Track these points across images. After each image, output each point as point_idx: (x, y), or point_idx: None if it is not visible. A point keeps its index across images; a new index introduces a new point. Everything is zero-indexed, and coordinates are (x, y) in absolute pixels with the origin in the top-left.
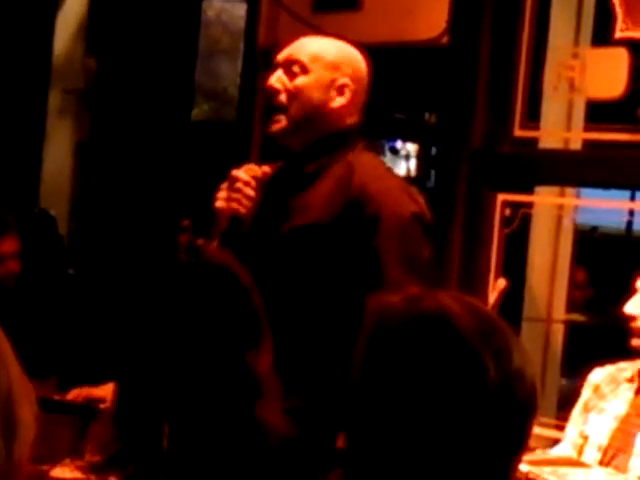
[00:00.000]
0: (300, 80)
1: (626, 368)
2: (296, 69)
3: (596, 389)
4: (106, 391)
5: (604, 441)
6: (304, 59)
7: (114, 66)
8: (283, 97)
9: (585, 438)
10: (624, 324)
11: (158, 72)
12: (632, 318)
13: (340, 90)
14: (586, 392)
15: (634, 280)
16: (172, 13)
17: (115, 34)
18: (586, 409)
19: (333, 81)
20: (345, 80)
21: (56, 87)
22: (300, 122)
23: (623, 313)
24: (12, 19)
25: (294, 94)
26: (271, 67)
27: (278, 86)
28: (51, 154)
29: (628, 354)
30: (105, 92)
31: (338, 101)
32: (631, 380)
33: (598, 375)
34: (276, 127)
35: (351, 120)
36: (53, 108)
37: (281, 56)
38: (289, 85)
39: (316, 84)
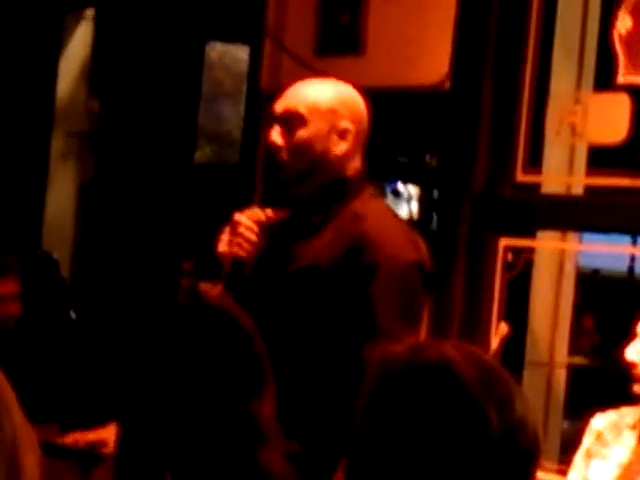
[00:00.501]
0: (300, 134)
1: (628, 414)
2: (294, 122)
3: (598, 436)
4: (107, 434)
5: None
6: (301, 110)
7: (117, 108)
8: (284, 154)
9: None
10: (626, 370)
11: (161, 114)
12: (633, 365)
13: (342, 135)
14: (588, 439)
15: (635, 324)
16: (175, 55)
17: (118, 76)
18: (588, 456)
19: (333, 127)
20: (345, 124)
21: (59, 130)
22: (304, 173)
23: (624, 359)
24: (16, 62)
25: (295, 150)
26: (270, 118)
27: (279, 143)
28: (54, 197)
29: (631, 398)
30: (108, 134)
31: (341, 146)
32: (634, 427)
33: (600, 422)
34: (280, 178)
35: (356, 164)
36: (56, 151)
37: (278, 108)
38: (289, 141)
39: (316, 135)
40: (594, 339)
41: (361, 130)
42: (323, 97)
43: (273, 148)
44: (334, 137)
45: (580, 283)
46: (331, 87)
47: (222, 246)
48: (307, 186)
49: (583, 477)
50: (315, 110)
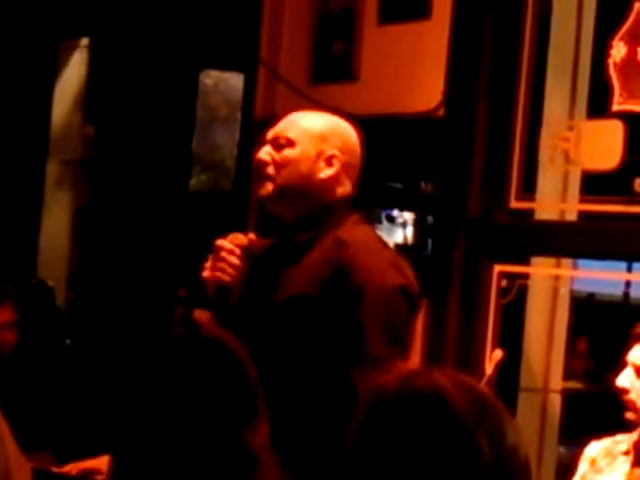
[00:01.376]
0: (287, 152)
1: (622, 441)
2: (283, 143)
3: (593, 463)
4: (101, 463)
5: None
6: (290, 134)
7: (112, 135)
8: (271, 169)
9: None
10: (618, 397)
11: (156, 141)
12: (624, 391)
13: (328, 161)
14: (583, 466)
15: (626, 352)
16: (170, 82)
17: (113, 103)
18: None
19: (321, 153)
20: (334, 151)
21: (54, 157)
22: (287, 190)
23: (615, 386)
24: (11, 90)
25: (281, 165)
26: (262, 142)
27: (266, 158)
28: (49, 224)
29: (625, 424)
30: (103, 161)
31: (326, 172)
32: (627, 453)
33: (594, 449)
34: (263, 192)
35: (342, 191)
36: (51, 178)
37: (270, 134)
38: (277, 157)
39: (303, 156)
40: (587, 363)
41: (350, 161)
42: (314, 124)
43: (260, 163)
44: (321, 162)
45: (575, 307)
46: (324, 117)
47: (206, 272)
48: (291, 207)
49: None
50: (304, 134)
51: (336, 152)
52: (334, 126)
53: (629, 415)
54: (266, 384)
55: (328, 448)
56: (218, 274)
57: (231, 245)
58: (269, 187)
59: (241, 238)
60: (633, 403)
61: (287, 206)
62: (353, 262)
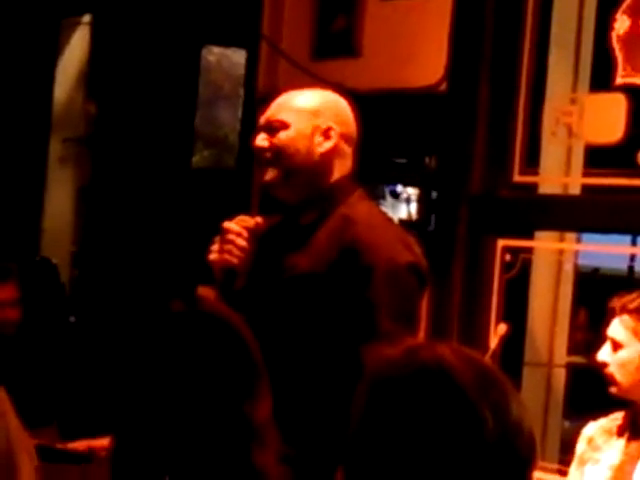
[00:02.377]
0: (282, 134)
1: (618, 418)
2: (277, 127)
3: (590, 441)
4: (107, 440)
5: None
6: (283, 116)
7: (114, 112)
8: (269, 154)
9: None
10: (599, 371)
11: (158, 118)
12: (604, 365)
13: (326, 134)
14: (580, 445)
15: (605, 327)
16: (172, 59)
17: (115, 80)
18: (582, 462)
19: (316, 128)
20: (329, 124)
21: (57, 135)
22: (291, 172)
23: (596, 361)
24: (13, 68)
25: (279, 149)
26: (257, 129)
27: (263, 144)
28: (52, 202)
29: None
30: (106, 138)
31: (325, 145)
32: (622, 428)
33: (591, 428)
34: (267, 178)
35: (344, 167)
36: (54, 156)
37: (262, 119)
38: (273, 141)
39: (299, 135)
40: (588, 336)
41: (346, 133)
42: (305, 101)
43: (258, 151)
44: (318, 137)
45: (579, 282)
46: (313, 93)
47: (213, 255)
48: (295, 189)
49: None
50: (297, 113)
51: (332, 124)
52: (325, 100)
53: (612, 390)
54: (274, 362)
55: (334, 423)
56: (226, 256)
57: (238, 227)
58: (272, 173)
59: (248, 220)
60: (612, 377)
61: (293, 188)
62: (361, 240)
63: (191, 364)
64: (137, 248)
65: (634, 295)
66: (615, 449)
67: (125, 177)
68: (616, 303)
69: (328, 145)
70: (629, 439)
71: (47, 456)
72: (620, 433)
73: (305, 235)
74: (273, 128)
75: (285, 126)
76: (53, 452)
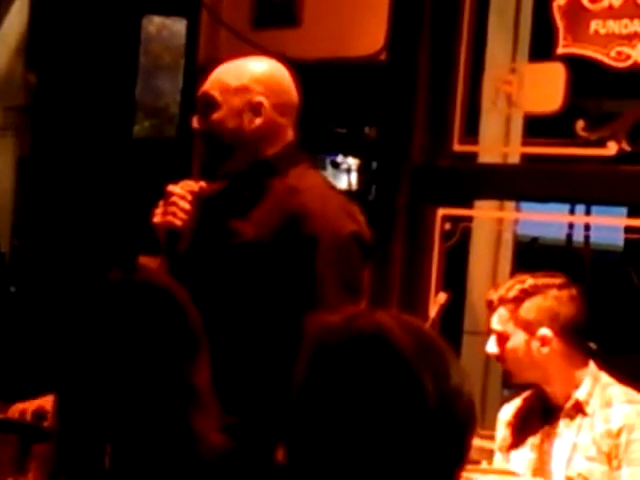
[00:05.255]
0: (213, 117)
1: (529, 398)
2: (209, 106)
3: (509, 425)
4: (47, 402)
5: (527, 473)
6: (213, 93)
7: (55, 82)
8: (202, 135)
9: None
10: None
11: (99, 88)
12: (496, 356)
13: (256, 110)
14: (500, 431)
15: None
16: (112, 29)
17: (55, 50)
18: (505, 447)
19: (247, 103)
20: (259, 98)
21: None
22: (221, 151)
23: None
24: None
25: (210, 129)
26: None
27: (198, 126)
28: None
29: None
30: (46, 108)
31: (256, 122)
32: (535, 409)
33: (507, 411)
34: (205, 161)
35: (284, 138)
36: None
37: (198, 93)
38: (205, 124)
39: (228, 114)
40: None
41: (282, 102)
42: (235, 76)
43: (195, 132)
44: (248, 114)
45: (518, 251)
46: (248, 65)
47: (157, 217)
48: (231, 164)
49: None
50: (226, 90)
51: (261, 98)
52: (257, 72)
53: (512, 380)
54: (216, 329)
55: (277, 393)
56: (169, 218)
57: (182, 191)
58: (206, 155)
59: (192, 185)
60: (506, 367)
61: (227, 163)
62: (305, 210)
63: (129, 331)
64: (78, 218)
65: (509, 284)
66: (534, 430)
67: (66, 147)
68: (492, 295)
69: (258, 121)
70: (543, 419)
71: None
72: (534, 414)
73: (249, 204)
74: (206, 106)
75: (216, 105)
76: None
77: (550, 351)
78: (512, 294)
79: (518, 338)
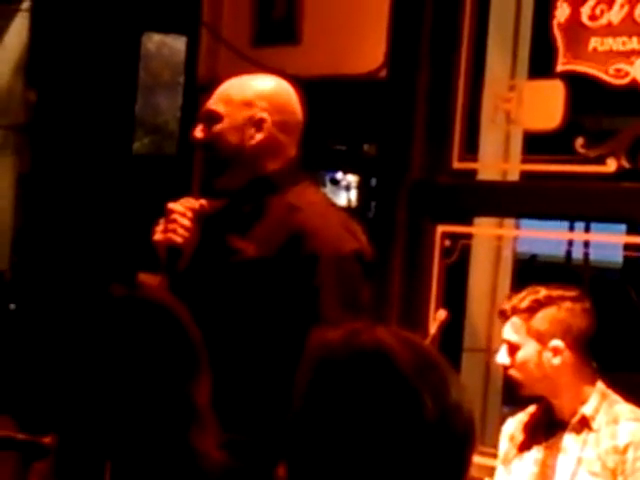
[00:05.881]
0: (216, 127)
1: (534, 412)
2: (212, 119)
3: (512, 439)
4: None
5: None
6: (217, 107)
7: (54, 100)
8: (203, 145)
9: None
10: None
11: (99, 106)
12: (505, 367)
13: (258, 125)
14: (503, 444)
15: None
16: (112, 46)
17: (55, 68)
18: (507, 461)
19: (249, 119)
20: (262, 115)
21: None
22: (221, 164)
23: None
24: None
25: (212, 140)
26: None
27: (198, 135)
28: None
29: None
30: (46, 126)
31: (257, 137)
32: (540, 423)
33: (511, 425)
34: (205, 172)
35: (285, 155)
36: None
37: (202, 108)
38: (207, 135)
39: (230, 128)
40: None
41: (284, 119)
42: (239, 91)
43: (195, 143)
44: (250, 129)
45: (517, 268)
46: (252, 82)
47: (157, 235)
48: (230, 178)
49: None
50: (230, 104)
51: (264, 115)
52: (261, 89)
53: (521, 391)
54: (217, 346)
55: (278, 411)
56: (170, 235)
57: (182, 208)
58: (206, 166)
59: (192, 202)
60: (516, 378)
61: (228, 177)
62: (306, 227)
63: (130, 348)
64: (78, 236)
65: (523, 294)
66: (537, 444)
67: (66, 164)
68: (506, 305)
69: (259, 137)
70: (547, 433)
71: None
72: (538, 428)
73: (249, 221)
74: (209, 119)
75: (219, 117)
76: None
77: (561, 363)
78: (525, 304)
79: (530, 348)
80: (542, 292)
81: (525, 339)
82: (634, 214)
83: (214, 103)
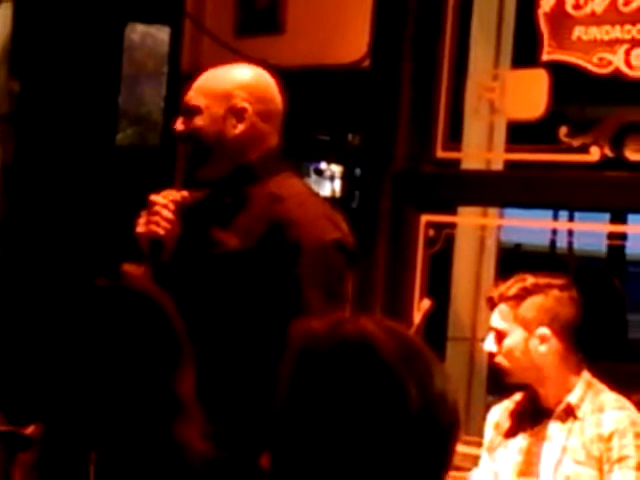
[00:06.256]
0: (196, 120)
1: (519, 400)
2: (192, 111)
3: (497, 427)
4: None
5: (513, 475)
6: (197, 100)
7: (38, 90)
8: (184, 138)
9: (496, 474)
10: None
11: (82, 96)
12: (491, 355)
13: (239, 115)
14: (488, 432)
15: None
16: (95, 36)
17: (39, 58)
18: (492, 449)
19: (229, 109)
20: (243, 104)
21: None
22: (203, 155)
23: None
24: None
25: (193, 133)
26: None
27: (179, 128)
28: None
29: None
30: (29, 116)
31: (239, 127)
32: (525, 411)
33: (496, 413)
34: (186, 164)
35: (266, 144)
36: None
37: (183, 100)
38: (188, 126)
39: (211, 119)
40: None
41: (264, 110)
42: (219, 82)
43: (176, 136)
44: (232, 120)
45: (501, 257)
46: (231, 72)
47: (140, 227)
48: (212, 169)
49: (493, 472)
50: (209, 96)
51: (245, 105)
52: (241, 79)
53: (507, 379)
54: (201, 337)
55: (262, 402)
56: (152, 227)
57: (164, 200)
58: (187, 157)
59: (174, 194)
60: (502, 365)
61: (208, 168)
62: (288, 217)
63: (113, 338)
64: (62, 226)
65: (510, 282)
66: (522, 431)
67: (49, 155)
68: (494, 293)
69: (241, 127)
70: (533, 421)
71: None
72: (524, 416)
73: (231, 212)
74: (189, 112)
75: (199, 110)
76: None
77: (547, 351)
78: (513, 292)
79: (517, 336)
80: (529, 280)
81: (512, 326)
82: (618, 203)
83: (193, 97)
